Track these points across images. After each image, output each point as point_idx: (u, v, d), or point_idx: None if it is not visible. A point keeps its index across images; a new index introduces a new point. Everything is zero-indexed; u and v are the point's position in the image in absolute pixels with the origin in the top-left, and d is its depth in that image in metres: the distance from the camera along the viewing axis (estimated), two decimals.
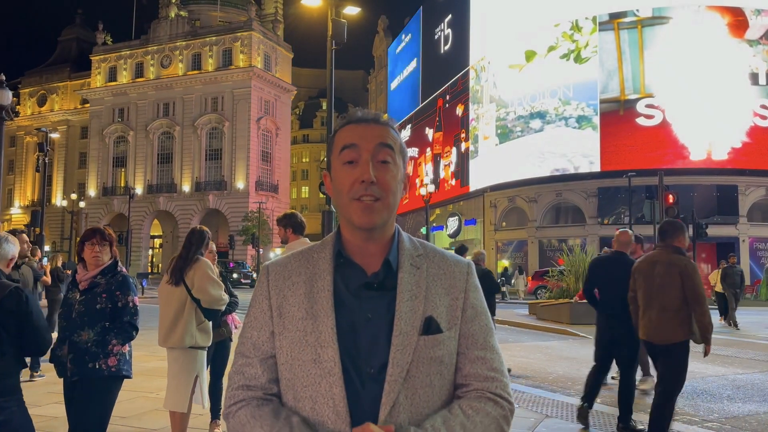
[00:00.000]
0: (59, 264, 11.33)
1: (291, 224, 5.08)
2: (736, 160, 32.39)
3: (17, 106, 70.46)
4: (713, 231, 27.59)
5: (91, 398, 3.64)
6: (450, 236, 42.55)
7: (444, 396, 1.30)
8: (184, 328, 4.66)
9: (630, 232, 6.51)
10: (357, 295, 1.30)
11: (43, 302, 10.39)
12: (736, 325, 16.17)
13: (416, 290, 1.31)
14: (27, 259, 5.75)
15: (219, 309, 4.85)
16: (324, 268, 1.33)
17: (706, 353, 5.03)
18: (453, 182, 45.71)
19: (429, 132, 49.93)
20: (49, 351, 3.51)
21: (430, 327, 1.28)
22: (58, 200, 65.72)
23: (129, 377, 3.82)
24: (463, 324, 1.34)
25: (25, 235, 5.71)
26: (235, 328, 5.74)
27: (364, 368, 1.25)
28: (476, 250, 10.45)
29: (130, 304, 3.78)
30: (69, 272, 9.76)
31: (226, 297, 4.90)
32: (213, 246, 5.57)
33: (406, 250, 1.35)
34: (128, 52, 66.21)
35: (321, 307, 1.28)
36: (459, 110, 44.67)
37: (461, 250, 10.38)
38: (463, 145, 43.89)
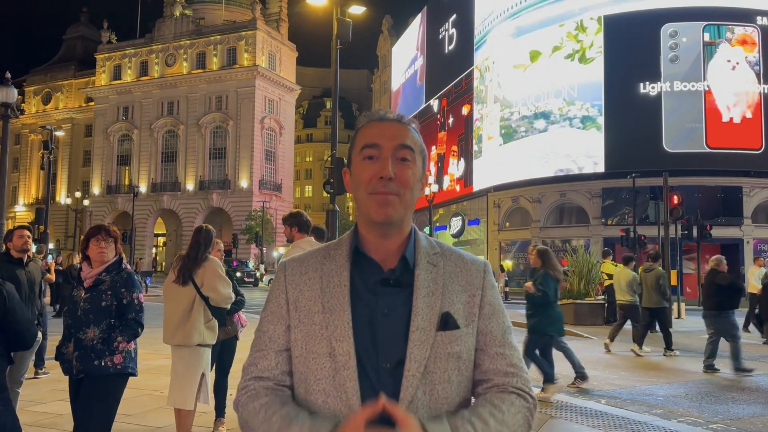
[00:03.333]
0: (75, 262, 11.34)
1: (297, 223, 5.18)
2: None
3: (22, 104, 70.70)
4: (717, 232, 27.49)
5: (97, 396, 3.63)
6: (453, 236, 42.49)
7: (462, 392, 1.31)
8: (193, 325, 4.69)
9: None
10: (374, 291, 1.31)
11: (49, 299, 10.42)
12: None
13: (433, 287, 1.32)
14: (29, 254, 5.71)
15: (225, 308, 4.90)
16: (341, 264, 1.35)
17: None
18: (456, 182, 45.65)
19: (432, 132, 49.88)
20: (55, 348, 3.49)
21: (447, 323, 1.30)
22: (63, 198, 65.95)
23: (134, 375, 3.82)
24: (481, 321, 1.36)
25: (26, 231, 5.67)
26: (242, 326, 5.76)
27: (380, 363, 1.26)
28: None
29: (135, 301, 3.78)
30: None
31: (233, 295, 4.99)
32: (221, 245, 5.60)
33: (423, 248, 1.37)
34: (133, 51, 66.39)
35: (337, 302, 1.30)
36: (463, 110, 44.59)
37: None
38: (467, 145, 43.83)
